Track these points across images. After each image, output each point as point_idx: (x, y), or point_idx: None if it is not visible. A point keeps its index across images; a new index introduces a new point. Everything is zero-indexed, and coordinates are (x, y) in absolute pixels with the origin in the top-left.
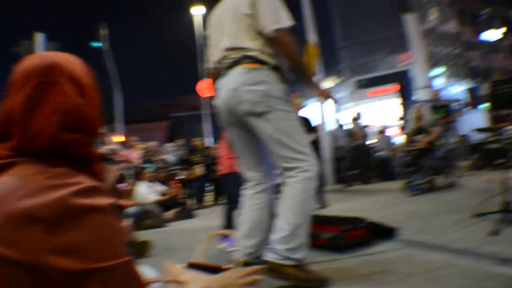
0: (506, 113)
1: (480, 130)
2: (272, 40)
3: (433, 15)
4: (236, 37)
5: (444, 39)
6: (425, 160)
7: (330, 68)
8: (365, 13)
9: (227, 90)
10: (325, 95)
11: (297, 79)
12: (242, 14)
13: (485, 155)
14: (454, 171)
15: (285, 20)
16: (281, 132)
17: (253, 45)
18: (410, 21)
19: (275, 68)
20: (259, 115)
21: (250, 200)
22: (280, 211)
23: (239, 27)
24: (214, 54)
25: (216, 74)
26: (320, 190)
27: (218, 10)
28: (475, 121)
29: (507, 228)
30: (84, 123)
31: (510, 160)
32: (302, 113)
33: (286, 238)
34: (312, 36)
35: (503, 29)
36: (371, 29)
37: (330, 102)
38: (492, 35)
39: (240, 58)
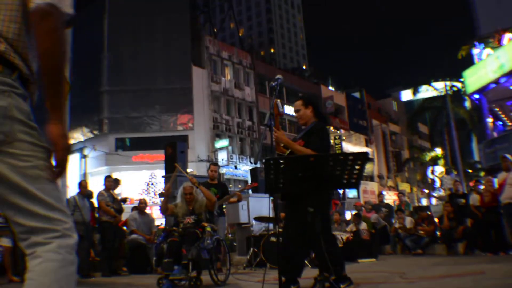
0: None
1: (260, 218)
2: (39, 16)
3: (227, 76)
4: None
5: (237, 106)
6: (188, 250)
7: (88, 117)
8: (145, 56)
9: None
10: (63, 149)
11: (46, 99)
12: None
13: (265, 249)
14: (224, 266)
15: (66, 4)
16: (26, 175)
17: (7, 31)
18: (200, 78)
19: (24, 80)
20: None
21: None
22: None
23: None
24: None
25: None
26: None
27: None
28: (258, 207)
29: None
30: None
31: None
32: None
33: None
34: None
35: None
36: (148, 77)
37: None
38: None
39: None
